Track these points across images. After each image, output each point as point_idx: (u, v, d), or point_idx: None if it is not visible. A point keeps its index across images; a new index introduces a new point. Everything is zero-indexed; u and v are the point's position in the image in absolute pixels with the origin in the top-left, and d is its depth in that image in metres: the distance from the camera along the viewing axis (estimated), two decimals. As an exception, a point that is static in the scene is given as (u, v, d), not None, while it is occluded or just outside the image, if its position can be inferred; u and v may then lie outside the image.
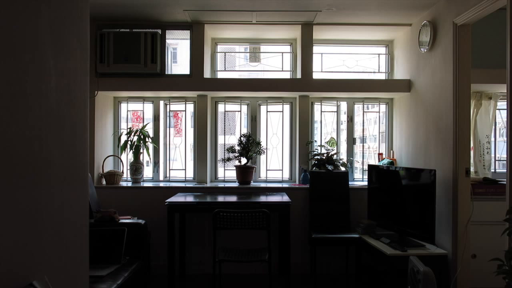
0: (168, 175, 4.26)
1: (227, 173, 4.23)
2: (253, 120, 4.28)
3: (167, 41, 3.99)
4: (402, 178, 3.27)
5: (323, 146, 4.07)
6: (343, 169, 3.93)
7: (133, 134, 3.99)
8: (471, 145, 3.49)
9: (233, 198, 3.56)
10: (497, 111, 3.87)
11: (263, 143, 4.14)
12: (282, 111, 4.27)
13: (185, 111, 4.26)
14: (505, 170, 2.32)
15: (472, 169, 3.58)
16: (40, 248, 1.38)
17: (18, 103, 1.25)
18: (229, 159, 4.03)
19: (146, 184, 4.01)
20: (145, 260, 3.14)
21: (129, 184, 4.01)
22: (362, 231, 3.52)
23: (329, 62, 4.33)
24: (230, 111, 4.33)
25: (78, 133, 1.68)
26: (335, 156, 3.98)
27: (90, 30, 1.87)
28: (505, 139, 2.45)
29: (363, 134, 4.36)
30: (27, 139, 1.31)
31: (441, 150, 3.15)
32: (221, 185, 4.05)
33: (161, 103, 4.26)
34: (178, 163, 4.26)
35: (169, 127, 4.29)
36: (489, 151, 3.70)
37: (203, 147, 4.03)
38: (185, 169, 4.22)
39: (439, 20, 3.26)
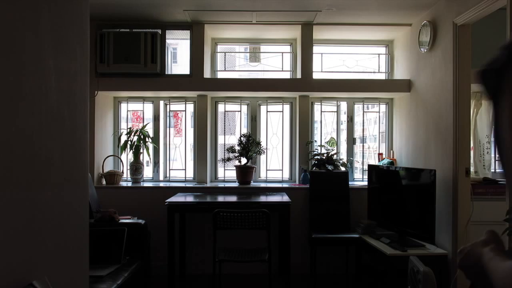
0: (168, 175, 4.26)
1: (227, 173, 4.23)
2: (253, 120, 4.28)
3: (167, 41, 3.99)
4: (402, 178, 3.27)
5: (323, 146, 4.07)
6: (343, 169, 3.93)
7: (133, 134, 3.99)
8: (471, 145, 3.48)
9: (233, 198, 3.56)
10: (497, 111, 3.86)
11: (263, 143, 4.13)
12: (282, 111, 4.27)
13: (185, 111, 4.25)
14: (505, 170, 2.32)
15: (472, 169, 3.57)
16: (40, 248, 1.38)
17: (18, 103, 1.25)
18: (229, 159, 4.03)
19: (146, 184, 4.01)
20: (145, 260, 3.14)
21: (129, 184, 4.01)
22: (362, 231, 3.52)
23: (329, 62, 4.32)
24: (230, 111, 4.33)
25: (78, 133, 1.68)
26: (335, 156, 3.98)
27: (90, 30, 1.87)
28: (505, 139, 2.44)
29: (363, 134, 4.36)
30: (27, 139, 1.30)
31: (441, 150, 3.15)
32: (221, 185, 4.04)
33: (161, 103, 4.26)
34: (178, 163, 4.26)
35: (169, 127, 4.29)
36: (489, 151, 3.70)
37: (203, 147, 4.03)
38: (185, 169, 4.21)
39: (439, 20, 3.26)
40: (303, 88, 3.91)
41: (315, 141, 4.18)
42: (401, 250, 2.95)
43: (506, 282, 0.54)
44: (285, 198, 3.44)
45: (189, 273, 3.81)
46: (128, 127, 4.16)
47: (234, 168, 4.03)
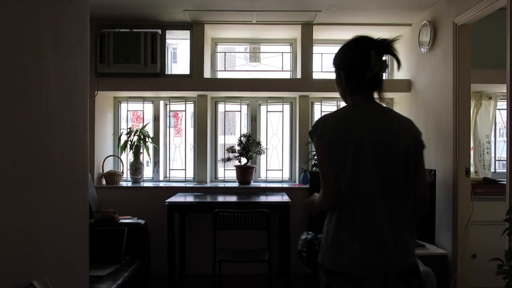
0: (168, 175, 4.26)
1: (227, 173, 4.23)
2: (253, 120, 4.28)
3: (167, 41, 3.99)
4: (402, 178, 3.26)
5: (323, 146, 4.06)
6: (343, 169, 3.92)
7: (133, 134, 3.99)
8: (471, 145, 3.48)
9: (233, 198, 3.56)
10: (497, 111, 3.86)
11: (263, 143, 4.13)
12: (282, 111, 4.27)
13: (185, 111, 4.25)
14: (505, 170, 2.32)
15: (472, 169, 3.57)
16: (40, 248, 1.38)
17: (18, 103, 1.25)
18: (229, 159, 4.03)
19: (146, 184, 4.01)
20: (145, 260, 3.14)
21: (129, 184, 4.01)
22: (362, 231, 3.52)
23: (329, 62, 4.31)
24: (230, 111, 4.33)
25: (78, 133, 1.68)
26: (335, 156, 3.97)
27: (90, 30, 1.87)
28: (505, 139, 2.45)
29: (363, 134, 4.35)
30: (27, 139, 1.31)
31: (441, 150, 3.15)
32: (221, 185, 4.04)
33: (161, 103, 4.26)
34: (178, 163, 4.26)
35: (169, 127, 4.29)
36: (489, 151, 3.70)
37: (203, 147, 4.03)
38: (185, 169, 4.21)
39: (439, 20, 3.25)
40: (303, 88, 3.91)
41: (315, 141, 4.17)
42: (401, 250, 2.95)
43: (318, 201, 1.51)
44: (285, 198, 3.44)
45: (189, 273, 3.81)
46: (128, 127, 4.16)
47: (234, 168, 4.03)
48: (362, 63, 1.42)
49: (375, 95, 1.47)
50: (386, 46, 1.45)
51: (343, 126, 1.38)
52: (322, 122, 1.43)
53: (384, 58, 1.44)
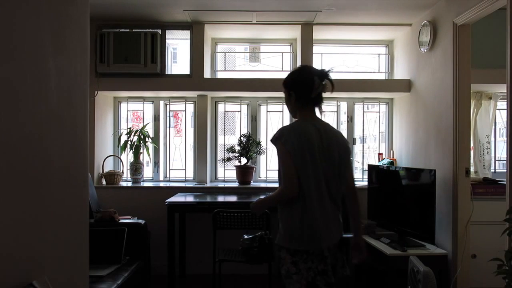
0: (168, 175, 4.26)
1: (227, 173, 4.23)
2: (253, 120, 4.28)
3: (167, 41, 3.99)
4: (402, 178, 3.26)
5: (323, 146, 4.06)
6: (343, 169, 3.92)
7: (133, 134, 3.99)
8: (471, 145, 3.48)
9: (233, 198, 3.56)
10: (497, 111, 3.86)
11: (263, 143, 4.13)
12: (282, 111, 4.27)
13: (185, 111, 4.25)
14: (505, 170, 2.32)
15: (472, 169, 3.57)
16: (40, 248, 1.38)
17: (18, 103, 1.25)
18: (229, 159, 4.02)
19: (146, 184, 4.01)
20: (145, 260, 3.14)
21: (129, 184, 4.01)
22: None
23: (329, 62, 4.32)
24: (230, 111, 4.33)
25: (78, 133, 1.68)
26: (335, 156, 3.97)
27: (90, 30, 1.87)
28: (505, 139, 2.45)
29: (363, 134, 4.35)
30: (27, 139, 1.31)
31: (441, 150, 3.15)
32: (221, 185, 4.04)
33: (161, 103, 4.26)
34: (178, 163, 4.26)
35: (169, 127, 4.29)
36: (489, 151, 3.70)
37: (203, 147, 4.03)
38: (185, 169, 4.21)
39: (439, 20, 3.26)
40: (303, 88, 3.90)
41: (315, 141, 4.17)
42: (401, 250, 2.95)
43: (276, 195, 1.87)
44: (285, 198, 3.43)
45: (189, 273, 3.81)
46: (128, 127, 4.16)
47: (234, 168, 4.03)
48: (308, 85, 1.88)
49: (317, 110, 1.98)
50: (325, 73, 1.89)
51: (300, 136, 1.81)
52: (286, 132, 1.84)
53: (324, 82, 1.87)
